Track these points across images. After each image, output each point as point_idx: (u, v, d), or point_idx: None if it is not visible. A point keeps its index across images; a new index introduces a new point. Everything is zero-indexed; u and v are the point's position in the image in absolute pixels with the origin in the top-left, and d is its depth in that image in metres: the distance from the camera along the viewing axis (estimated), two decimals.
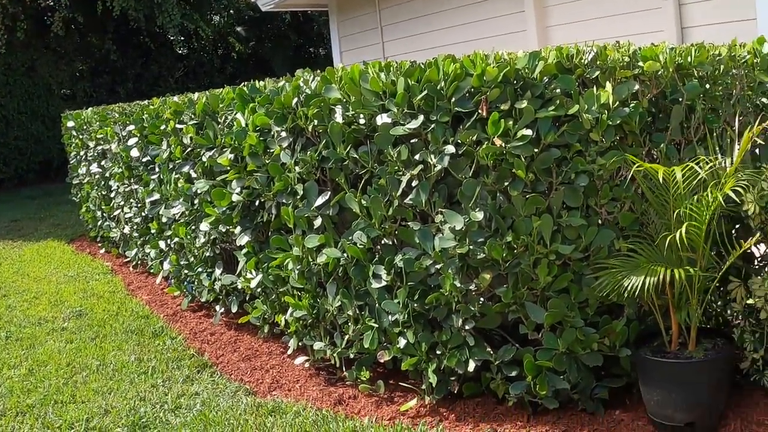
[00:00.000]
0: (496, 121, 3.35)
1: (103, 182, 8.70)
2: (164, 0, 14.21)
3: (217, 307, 5.90)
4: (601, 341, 3.64)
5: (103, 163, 8.52)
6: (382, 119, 3.74)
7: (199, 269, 5.98)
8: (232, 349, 5.36)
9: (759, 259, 3.98)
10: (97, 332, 5.89)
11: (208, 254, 5.80)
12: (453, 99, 3.49)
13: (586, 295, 3.59)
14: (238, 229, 5.11)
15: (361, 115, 3.91)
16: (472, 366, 3.75)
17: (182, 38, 16.78)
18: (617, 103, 3.44)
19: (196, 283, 6.13)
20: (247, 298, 5.47)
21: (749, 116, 4.14)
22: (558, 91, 3.41)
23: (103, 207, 8.84)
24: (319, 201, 4.21)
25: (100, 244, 9.53)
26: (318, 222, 4.23)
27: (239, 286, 5.29)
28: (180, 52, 18.62)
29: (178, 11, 14.43)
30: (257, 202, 4.98)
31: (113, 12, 14.76)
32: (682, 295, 3.55)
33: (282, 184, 4.41)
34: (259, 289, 5.06)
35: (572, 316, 3.58)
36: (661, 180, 3.33)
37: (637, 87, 3.55)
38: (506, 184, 3.44)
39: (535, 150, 3.42)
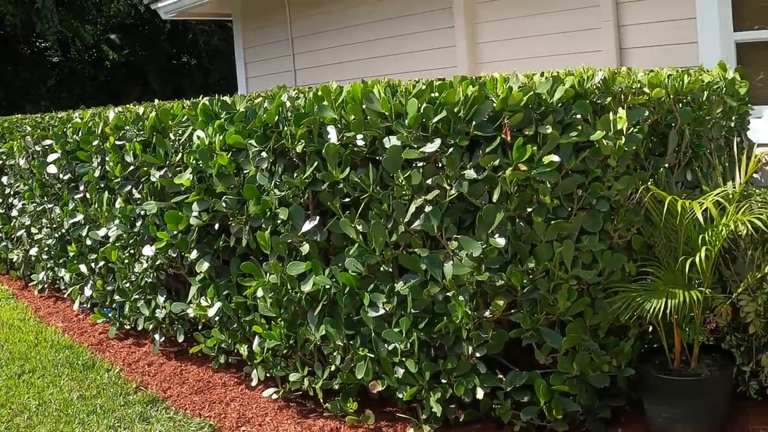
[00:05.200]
0: (520, 146, 3.28)
1: (1, 200, 8.06)
2: (43, 5, 13.38)
3: (156, 336, 5.53)
4: (609, 363, 3.65)
5: (2, 179, 7.89)
6: (391, 141, 3.59)
7: (136, 296, 5.59)
8: (179, 381, 5.01)
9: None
10: (22, 366, 5.38)
11: (149, 280, 5.42)
12: (473, 122, 3.39)
13: (599, 319, 3.58)
14: (194, 254, 4.80)
15: (359, 137, 3.75)
16: (480, 393, 3.66)
17: (57, 46, 15.89)
18: (631, 129, 3.45)
19: (127, 310, 5.73)
20: (198, 327, 5.15)
21: (720, 140, 4.28)
22: (578, 116, 3.38)
23: None
24: (307, 226, 3.99)
25: None
26: (305, 248, 4.01)
27: (191, 314, 4.96)
28: (53, 59, 17.60)
29: (56, 18, 13.63)
30: (217, 226, 4.70)
31: None
32: (687, 315, 3.61)
33: (260, 207, 4.17)
34: (216, 318, 4.78)
35: (586, 339, 3.56)
36: (679, 210, 3.38)
37: (647, 113, 3.58)
38: (529, 210, 3.37)
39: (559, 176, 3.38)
